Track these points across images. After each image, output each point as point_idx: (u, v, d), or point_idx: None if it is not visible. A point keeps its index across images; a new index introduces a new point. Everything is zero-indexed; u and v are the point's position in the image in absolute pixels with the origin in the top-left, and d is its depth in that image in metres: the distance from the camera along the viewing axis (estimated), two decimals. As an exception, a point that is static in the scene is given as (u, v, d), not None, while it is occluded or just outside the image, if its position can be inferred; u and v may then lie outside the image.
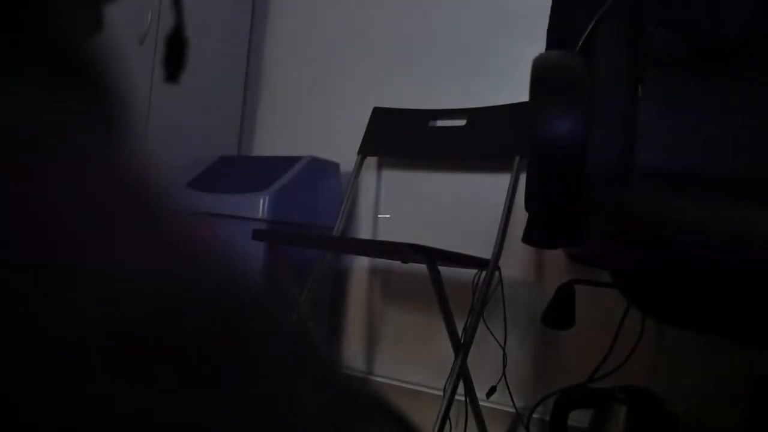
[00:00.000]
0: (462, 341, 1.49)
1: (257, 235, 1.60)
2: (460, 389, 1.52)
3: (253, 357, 0.20)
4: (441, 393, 1.48)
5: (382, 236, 1.96)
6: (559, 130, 0.92)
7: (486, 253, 1.60)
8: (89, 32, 0.28)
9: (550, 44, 1.19)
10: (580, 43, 1.04)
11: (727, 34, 0.97)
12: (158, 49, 1.94)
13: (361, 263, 2.00)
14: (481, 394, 1.65)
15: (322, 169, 1.98)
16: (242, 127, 2.31)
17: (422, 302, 1.86)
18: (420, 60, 1.98)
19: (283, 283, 1.65)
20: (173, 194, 0.22)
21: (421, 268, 1.45)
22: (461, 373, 1.49)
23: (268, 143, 2.29)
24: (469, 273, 1.68)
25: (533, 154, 0.94)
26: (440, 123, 1.86)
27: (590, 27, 1.02)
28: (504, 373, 1.65)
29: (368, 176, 2.03)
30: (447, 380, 1.48)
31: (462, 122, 1.82)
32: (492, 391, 1.66)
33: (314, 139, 2.15)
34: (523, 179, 1.62)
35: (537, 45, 1.20)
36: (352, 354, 2.00)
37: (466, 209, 1.83)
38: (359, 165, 1.95)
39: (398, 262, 1.73)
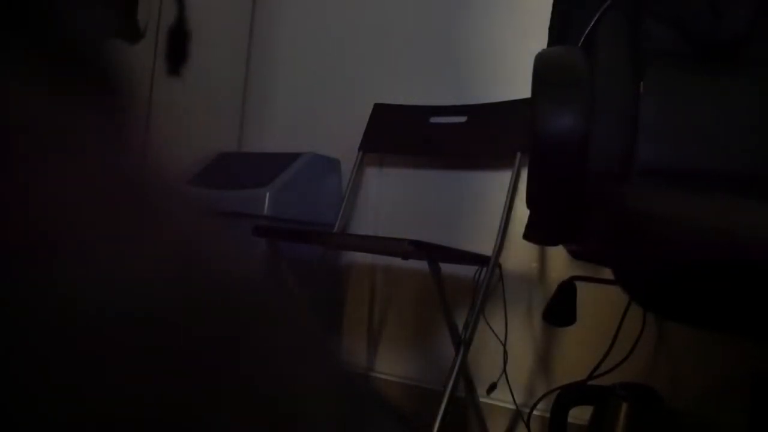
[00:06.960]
0: (462, 338, 1.49)
1: (258, 231, 1.60)
2: (461, 386, 1.52)
3: (254, 354, 0.20)
4: (441, 390, 1.48)
5: (383, 233, 1.95)
6: (561, 127, 0.92)
7: (487, 250, 1.60)
8: (102, 35, 0.28)
9: (551, 40, 1.18)
10: (582, 39, 1.04)
11: (729, 30, 0.96)
12: (159, 42, 1.94)
13: (362, 260, 2.00)
14: (481, 390, 1.65)
15: (322, 165, 1.98)
16: (243, 123, 2.31)
17: (423, 299, 1.86)
18: (421, 56, 1.98)
19: (284, 280, 1.65)
20: (176, 190, 0.22)
21: (422, 264, 1.45)
22: (461, 370, 1.49)
23: (269, 139, 2.28)
24: (470, 270, 1.68)
25: (535, 151, 0.94)
26: (441, 119, 1.86)
27: (592, 23, 1.02)
28: (504, 370, 1.65)
29: (369, 172, 2.02)
30: (447, 377, 1.48)
31: (463, 119, 1.81)
32: (492, 387, 1.66)
33: (315, 136, 2.14)
34: (524, 176, 1.62)
35: (539, 41, 1.19)
36: (353, 350, 2.00)
37: (467, 206, 1.83)
38: (360, 161, 1.95)
39: (399, 259, 1.73)
